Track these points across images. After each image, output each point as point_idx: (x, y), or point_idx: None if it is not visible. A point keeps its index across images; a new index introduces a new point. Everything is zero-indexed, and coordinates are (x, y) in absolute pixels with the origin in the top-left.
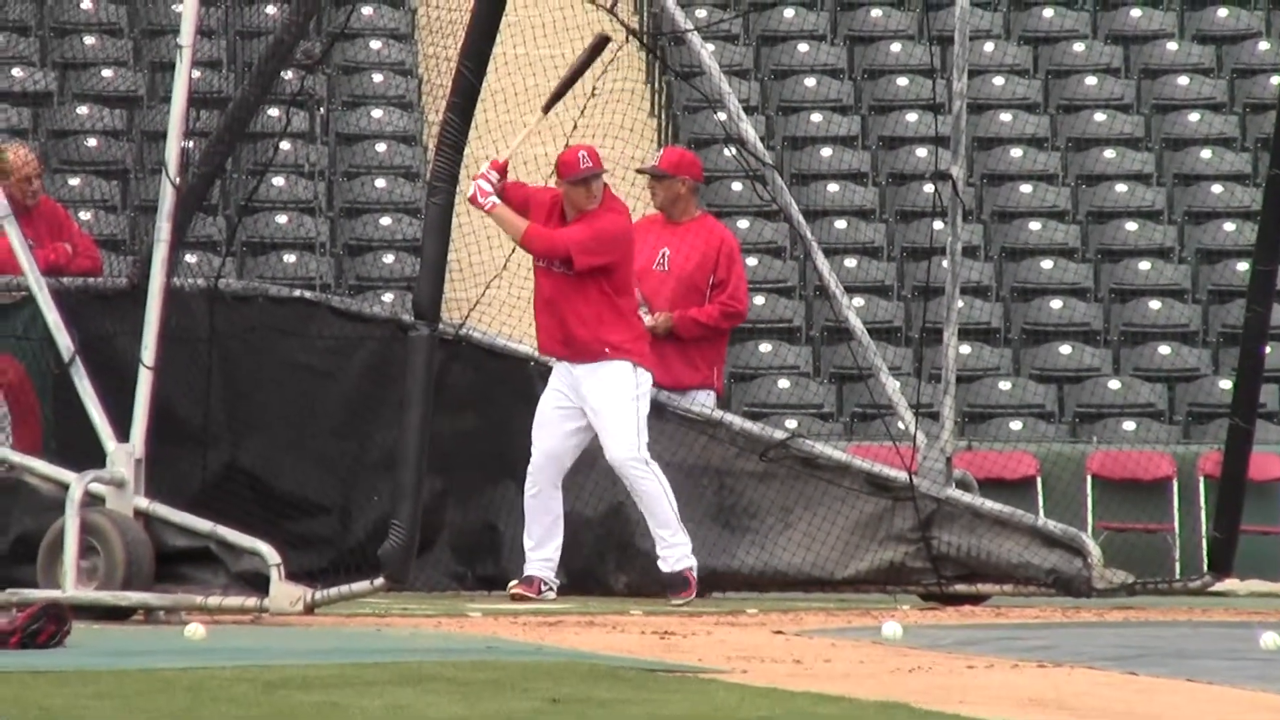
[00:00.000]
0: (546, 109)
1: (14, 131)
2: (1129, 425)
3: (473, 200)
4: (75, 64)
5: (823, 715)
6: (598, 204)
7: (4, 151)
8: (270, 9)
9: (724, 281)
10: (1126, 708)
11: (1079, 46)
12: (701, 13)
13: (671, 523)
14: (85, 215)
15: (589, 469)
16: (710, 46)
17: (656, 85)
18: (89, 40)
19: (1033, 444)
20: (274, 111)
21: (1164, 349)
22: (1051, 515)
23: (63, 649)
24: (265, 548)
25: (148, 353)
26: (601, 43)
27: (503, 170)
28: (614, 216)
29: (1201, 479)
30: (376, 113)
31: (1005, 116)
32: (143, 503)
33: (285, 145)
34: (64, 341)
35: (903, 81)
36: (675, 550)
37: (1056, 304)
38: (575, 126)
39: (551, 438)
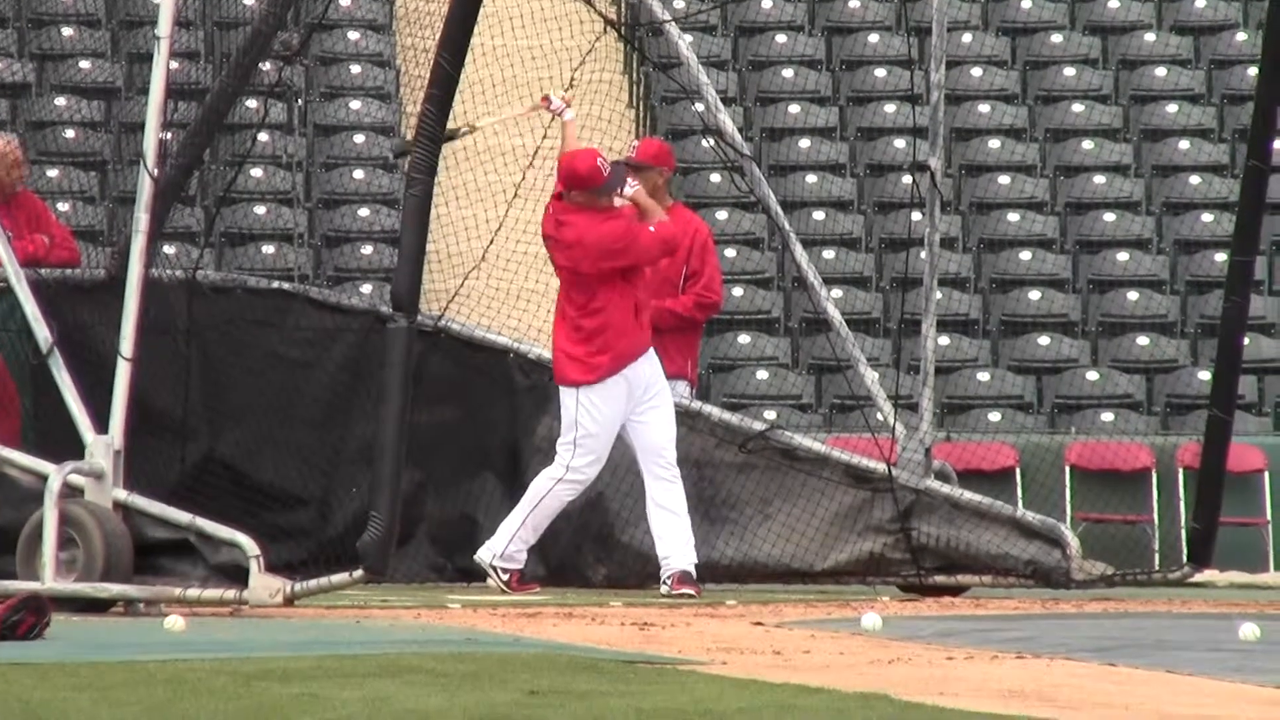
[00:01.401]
0: None
1: None
2: (1108, 416)
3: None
4: (53, 55)
5: (802, 707)
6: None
7: None
8: (248, 0)
9: (698, 272)
10: (1105, 699)
11: (1057, 37)
12: (679, 3)
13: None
14: (63, 206)
15: None
16: (688, 37)
17: (634, 76)
18: (67, 31)
19: (1011, 435)
20: (252, 103)
21: (1142, 340)
22: (1030, 506)
23: (42, 641)
24: (244, 539)
25: (126, 344)
26: None
27: None
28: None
29: (1180, 470)
30: (354, 104)
31: (983, 107)
32: (121, 494)
33: (263, 136)
34: (42, 333)
35: (881, 72)
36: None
37: (1035, 295)
38: (554, 118)
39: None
